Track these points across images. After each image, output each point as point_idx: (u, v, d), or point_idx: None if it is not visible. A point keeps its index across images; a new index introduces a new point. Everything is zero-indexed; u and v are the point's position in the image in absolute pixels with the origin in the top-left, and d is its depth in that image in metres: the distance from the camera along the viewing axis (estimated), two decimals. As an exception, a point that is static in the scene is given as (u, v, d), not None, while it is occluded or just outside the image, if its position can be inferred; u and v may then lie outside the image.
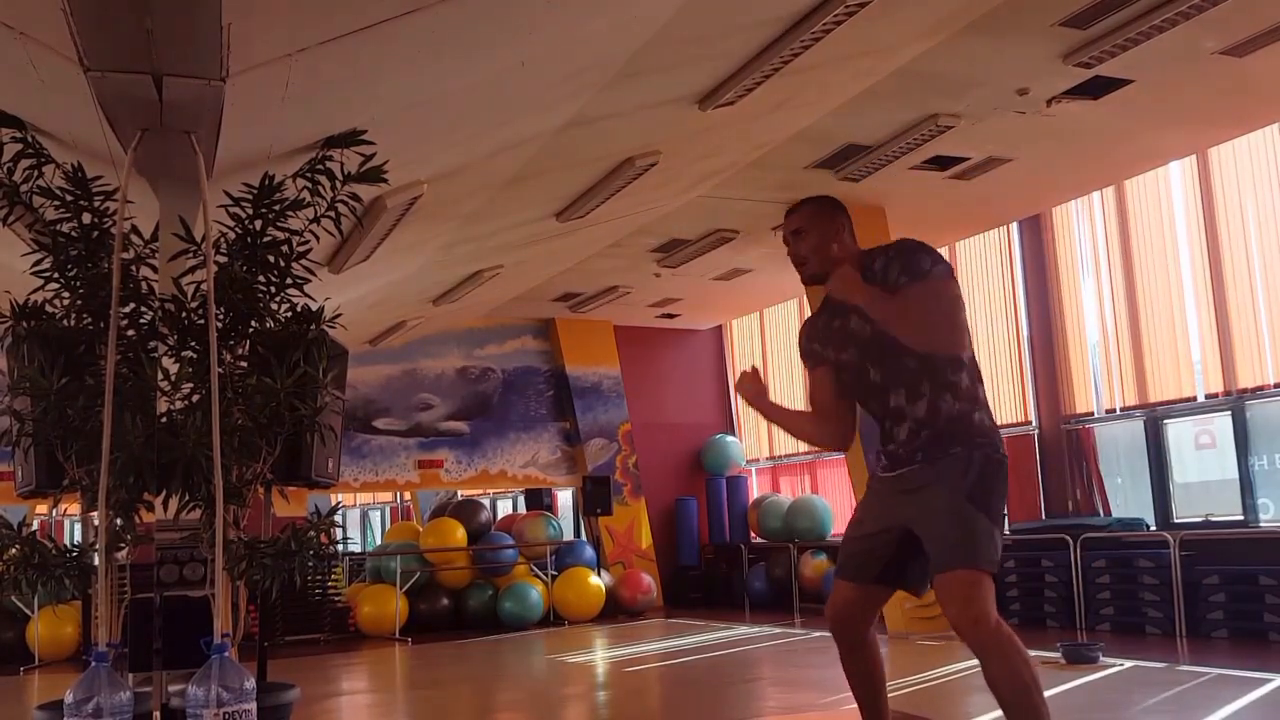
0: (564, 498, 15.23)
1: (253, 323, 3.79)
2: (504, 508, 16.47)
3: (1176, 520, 9.33)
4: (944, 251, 9.96)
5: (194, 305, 3.61)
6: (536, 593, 11.72)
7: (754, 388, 3.42)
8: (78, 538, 9.92)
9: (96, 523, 3.40)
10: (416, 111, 4.68)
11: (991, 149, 8.22)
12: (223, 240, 3.75)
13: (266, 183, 3.83)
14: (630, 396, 14.02)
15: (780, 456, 14.39)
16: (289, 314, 3.85)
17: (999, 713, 2.91)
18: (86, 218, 3.76)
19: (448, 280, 9.81)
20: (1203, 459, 9.54)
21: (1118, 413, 10.02)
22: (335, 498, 14.36)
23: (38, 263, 3.70)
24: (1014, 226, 10.84)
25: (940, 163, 8.41)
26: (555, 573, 12.05)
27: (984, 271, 11.20)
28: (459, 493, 14.86)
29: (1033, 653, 3.08)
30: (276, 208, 3.85)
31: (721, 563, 13.75)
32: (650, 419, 14.18)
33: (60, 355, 3.52)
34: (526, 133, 5.88)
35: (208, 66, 3.21)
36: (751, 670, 8.13)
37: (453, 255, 8.60)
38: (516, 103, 5.21)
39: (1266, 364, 8.79)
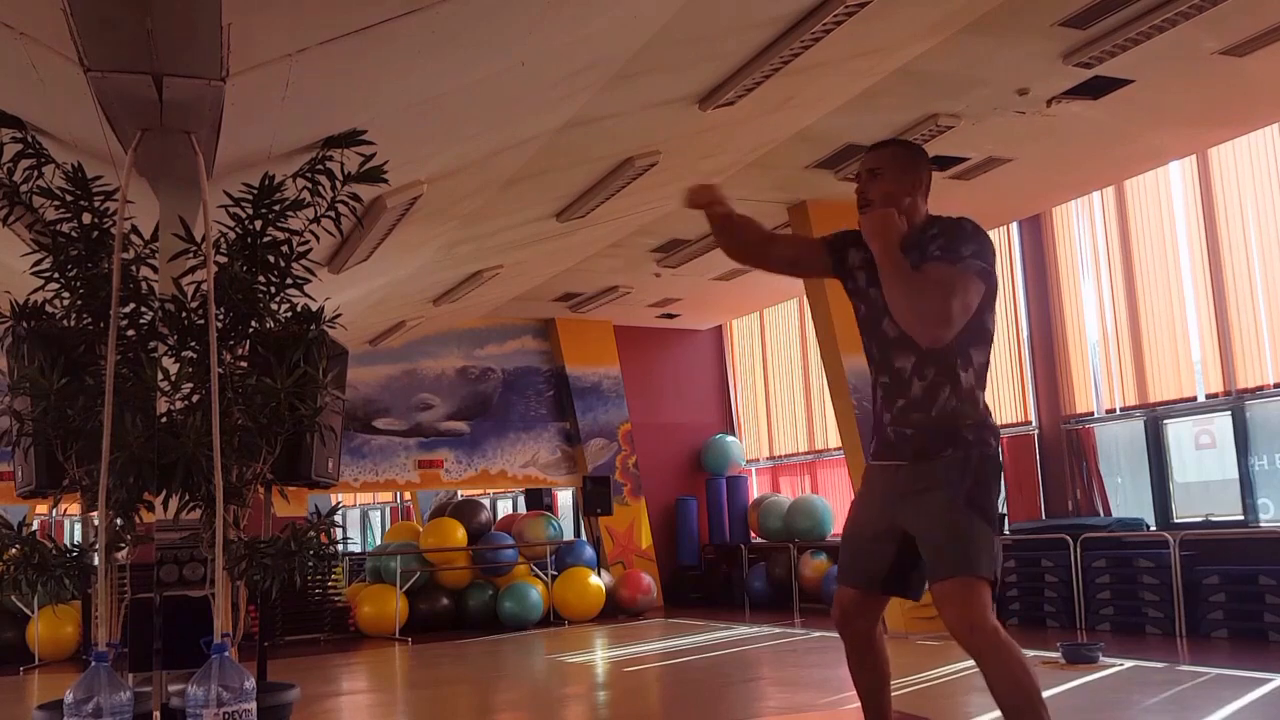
0: (564, 498, 15.23)
1: (253, 323, 3.79)
2: (504, 508, 16.48)
3: (1176, 520, 9.34)
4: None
5: (194, 305, 3.60)
6: (536, 593, 11.71)
7: (708, 195, 3.15)
8: (78, 538, 9.91)
9: (96, 523, 3.39)
10: (416, 111, 4.68)
11: (991, 149, 8.23)
12: (223, 240, 3.75)
13: (266, 183, 3.82)
14: (630, 396, 14.02)
15: (780, 456, 14.40)
16: (289, 314, 3.84)
17: (998, 713, 2.91)
18: (86, 218, 3.75)
19: (448, 280, 9.81)
20: (1203, 459, 9.54)
21: (1118, 413, 10.02)
22: (335, 498, 14.39)
23: (38, 263, 3.69)
24: (1014, 226, 10.86)
25: (940, 163, 8.40)
26: (555, 573, 12.05)
27: (984, 271, 11.19)
28: (459, 493, 14.86)
29: (1033, 653, 3.09)
30: (276, 208, 3.84)
31: (721, 563, 13.75)
32: (650, 419, 14.18)
33: (60, 355, 3.51)
34: (526, 133, 5.88)
35: (208, 66, 3.21)
36: (751, 670, 8.13)
37: (453, 255, 8.60)
38: (516, 103, 5.21)
39: (1266, 364, 8.79)
